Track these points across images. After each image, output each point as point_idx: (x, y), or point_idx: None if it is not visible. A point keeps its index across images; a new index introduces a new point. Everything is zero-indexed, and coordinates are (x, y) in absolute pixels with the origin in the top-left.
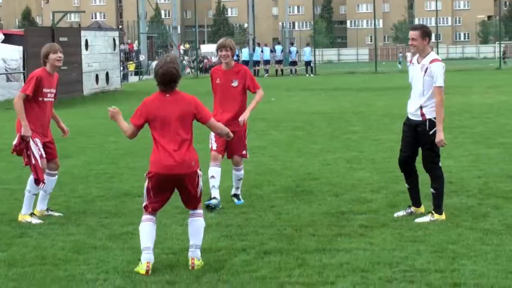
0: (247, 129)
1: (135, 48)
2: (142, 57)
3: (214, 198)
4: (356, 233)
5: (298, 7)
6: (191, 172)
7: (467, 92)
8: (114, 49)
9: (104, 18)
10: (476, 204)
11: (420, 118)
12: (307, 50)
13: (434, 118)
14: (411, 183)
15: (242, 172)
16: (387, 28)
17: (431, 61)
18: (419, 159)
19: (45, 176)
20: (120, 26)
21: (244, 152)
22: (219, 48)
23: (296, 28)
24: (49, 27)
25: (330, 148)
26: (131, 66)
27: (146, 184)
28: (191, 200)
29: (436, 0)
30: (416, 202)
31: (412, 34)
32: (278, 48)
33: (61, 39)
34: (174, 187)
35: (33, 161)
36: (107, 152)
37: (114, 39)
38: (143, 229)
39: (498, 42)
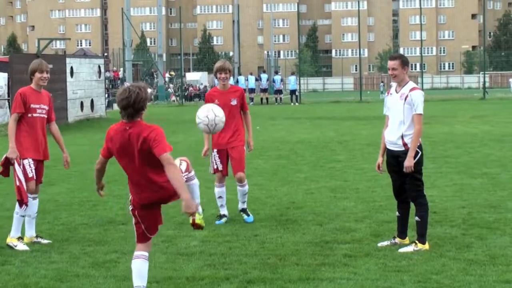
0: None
1: (120, 75)
2: (127, 84)
3: (224, 216)
4: (339, 263)
5: (284, 35)
6: None
7: (451, 121)
8: (100, 76)
9: (89, 45)
10: (460, 234)
11: (402, 148)
12: (292, 78)
13: (417, 147)
14: (402, 212)
15: (247, 187)
16: (372, 57)
17: (411, 89)
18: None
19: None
20: (106, 54)
21: (243, 169)
22: (218, 71)
23: (282, 56)
24: (34, 54)
25: (314, 177)
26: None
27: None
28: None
29: (421, 30)
30: (402, 233)
31: (392, 64)
32: (264, 76)
33: None
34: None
35: (17, 183)
36: (90, 180)
37: (99, 66)
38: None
39: (483, 72)
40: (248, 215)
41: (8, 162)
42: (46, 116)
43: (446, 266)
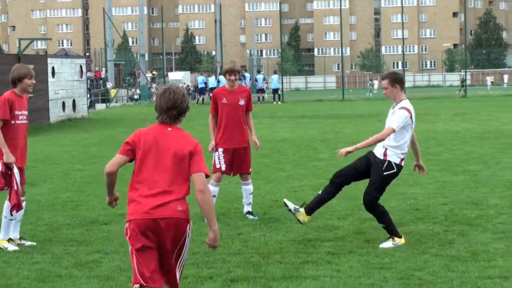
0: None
1: (103, 75)
2: (110, 85)
3: None
4: (323, 260)
5: (266, 35)
6: None
7: (433, 119)
8: (81, 76)
9: (71, 45)
10: (442, 231)
11: (381, 157)
12: (275, 77)
13: (395, 162)
14: (325, 195)
15: (252, 186)
16: (354, 56)
17: (400, 108)
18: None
19: None
20: (87, 54)
21: (250, 169)
22: (228, 73)
23: (264, 55)
24: (15, 54)
25: (297, 176)
26: (113, 92)
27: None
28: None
29: (403, 28)
30: (312, 211)
31: (382, 83)
32: (247, 75)
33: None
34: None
35: (15, 187)
36: (73, 180)
37: (81, 66)
38: None
39: (464, 70)
40: (254, 215)
41: (7, 169)
42: (27, 122)
43: (428, 262)
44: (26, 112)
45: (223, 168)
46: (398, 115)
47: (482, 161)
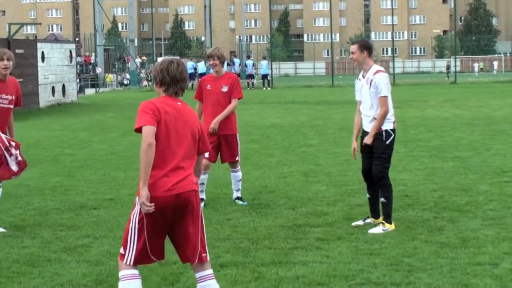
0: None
1: (92, 60)
2: (99, 70)
3: (202, 199)
4: (312, 246)
5: (255, 20)
6: None
7: (423, 106)
8: (71, 61)
9: (60, 30)
10: (432, 217)
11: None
12: (264, 63)
13: (390, 129)
14: (372, 192)
15: (240, 173)
16: (344, 42)
17: (375, 73)
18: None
19: None
20: (77, 39)
21: (237, 158)
22: (208, 58)
23: (253, 41)
24: (5, 38)
25: (286, 161)
26: (109, 78)
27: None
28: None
29: (392, 14)
30: (375, 213)
31: (351, 48)
32: (236, 61)
33: (17, 51)
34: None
35: None
36: (63, 165)
37: (70, 51)
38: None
39: (453, 57)
40: (243, 201)
41: None
42: (10, 107)
43: (418, 249)
44: (8, 97)
45: (206, 155)
46: (381, 80)
47: (472, 148)
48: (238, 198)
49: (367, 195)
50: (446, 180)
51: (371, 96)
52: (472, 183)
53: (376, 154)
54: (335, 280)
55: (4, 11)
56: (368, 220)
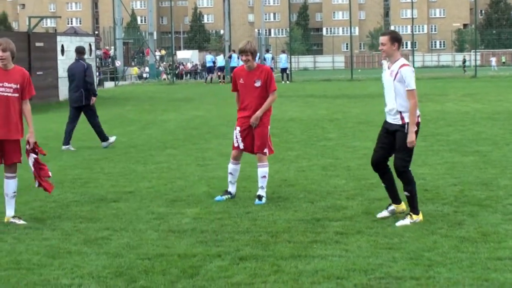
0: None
1: (111, 53)
2: (118, 63)
3: (229, 193)
4: (331, 240)
5: (274, 14)
6: None
7: (443, 100)
8: (90, 54)
9: (80, 23)
10: (452, 212)
11: (399, 122)
12: (283, 57)
13: (415, 122)
14: (387, 181)
15: (267, 169)
16: (363, 36)
17: (400, 66)
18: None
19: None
20: (96, 32)
21: (265, 150)
22: (240, 53)
23: (272, 35)
24: (25, 32)
25: (305, 155)
26: (135, 70)
27: None
28: None
29: (412, 8)
30: (396, 199)
31: (382, 39)
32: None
33: (37, 44)
34: None
35: None
36: (82, 157)
37: (90, 45)
38: None
39: (474, 51)
40: (260, 199)
41: None
42: (14, 95)
43: (437, 243)
44: (11, 85)
45: (241, 146)
46: (407, 74)
47: (492, 142)
48: (257, 196)
49: (383, 185)
50: (466, 174)
51: (395, 90)
52: (492, 177)
53: (398, 147)
54: (354, 274)
55: (24, 5)
56: (391, 207)
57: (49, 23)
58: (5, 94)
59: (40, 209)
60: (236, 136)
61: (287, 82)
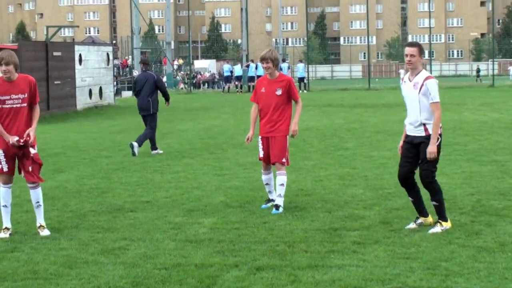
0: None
1: (129, 63)
2: (136, 72)
3: (272, 200)
4: (348, 250)
5: (292, 23)
6: None
7: (460, 109)
8: (108, 64)
9: (98, 33)
10: (469, 221)
11: (423, 134)
12: (301, 66)
13: (438, 134)
14: (413, 196)
15: (285, 177)
16: (380, 45)
17: (425, 79)
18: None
19: (2, 189)
20: (114, 41)
21: (283, 159)
22: (261, 61)
23: (290, 44)
24: (43, 41)
25: (323, 165)
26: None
27: None
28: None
29: (430, 17)
30: (423, 212)
31: (410, 50)
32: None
33: (55, 53)
34: None
35: None
36: (99, 167)
37: (107, 54)
38: None
39: (491, 60)
40: (277, 209)
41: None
42: (23, 105)
43: (455, 253)
44: (19, 96)
45: (261, 155)
46: (432, 86)
47: (510, 151)
48: (275, 205)
49: (410, 199)
50: (484, 184)
51: (420, 102)
52: (510, 187)
53: (423, 158)
54: (371, 284)
55: (42, 14)
56: (419, 221)
57: (67, 33)
58: (14, 106)
59: (57, 218)
60: (259, 146)
61: (305, 91)
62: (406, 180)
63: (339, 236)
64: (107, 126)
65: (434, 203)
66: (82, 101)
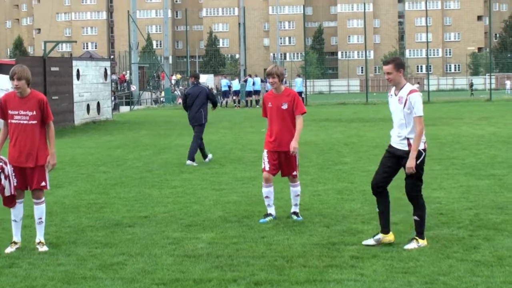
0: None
1: (127, 78)
2: (134, 87)
3: (270, 214)
4: (347, 264)
5: (290, 38)
6: None
7: (458, 123)
8: (106, 79)
9: (95, 48)
10: (467, 235)
11: (406, 148)
12: (299, 81)
13: (422, 149)
14: (382, 206)
15: (299, 188)
16: (378, 60)
17: (409, 93)
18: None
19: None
20: (112, 56)
21: (295, 172)
22: (267, 76)
23: (288, 59)
24: (40, 56)
25: (321, 179)
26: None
27: None
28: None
29: (427, 31)
30: (386, 228)
31: (386, 68)
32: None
33: (53, 68)
34: None
35: None
36: (97, 182)
37: (105, 69)
38: None
39: (489, 74)
40: (298, 216)
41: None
42: (31, 122)
43: (453, 267)
44: (27, 113)
45: (267, 168)
46: (416, 100)
47: (508, 166)
48: (294, 213)
49: (377, 209)
50: (481, 198)
51: (405, 116)
52: (507, 201)
53: (409, 174)
54: None
55: (39, 29)
56: (378, 237)
57: (64, 48)
58: (22, 122)
59: (55, 234)
60: (264, 159)
61: None
62: (377, 188)
63: (337, 250)
64: (105, 141)
65: (416, 218)
66: (80, 116)
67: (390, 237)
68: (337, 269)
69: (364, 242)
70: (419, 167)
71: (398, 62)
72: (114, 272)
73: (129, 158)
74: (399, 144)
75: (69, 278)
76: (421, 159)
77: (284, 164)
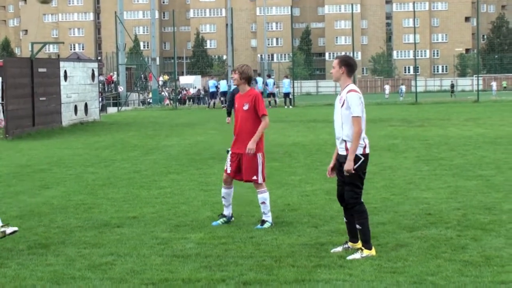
0: (263, 155)
1: (114, 79)
2: (121, 89)
3: (223, 216)
4: (335, 264)
5: (277, 39)
6: None
7: (445, 124)
8: (93, 80)
9: (83, 49)
10: (455, 235)
11: (344, 153)
12: (286, 82)
13: (360, 153)
14: (348, 217)
15: (264, 195)
16: (366, 61)
17: (347, 92)
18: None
19: None
20: (99, 57)
21: (254, 177)
22: (232, 71)
23: (275, 60)
24: (28, 58)
25: (309, 180)
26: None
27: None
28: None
29: (414, 33)
30: (354, 237)
31: (333, 62)
32: (259, 80)
33: (40, 69)
34: None
35: None
36: (85, 183)
37: (93, 70)
38: None
39: (476, 75)
40: (261, 224)
41: None
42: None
43: (441, 267)
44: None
45: (228, 170)
46: (352, 100)
47: (495, 166)
48: (260, 220)
49: (344, 219)
50: (469, 198)
51: (342, 117)
52: (495, 201)
53: (346, 180)
54: None
55: (26, 30)
56: (347, 245)
57: (51, 49)
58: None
59: (44, 234)
60: (227, 159)
61: (290, 107)
62: (341, 198)
63: (325, 250)
64: (92, 142)
65: (358, 226)
66: (67, 117)
67: (358, 245)
68: (325, 269)
69: (333, 250)
70: (358, 173)
71: (343, 59)
72: (103, 272)
73: (117, 159)
74: (339, 149)
75: (58, 278)
76: (359, 163)
77: (243, 167)
